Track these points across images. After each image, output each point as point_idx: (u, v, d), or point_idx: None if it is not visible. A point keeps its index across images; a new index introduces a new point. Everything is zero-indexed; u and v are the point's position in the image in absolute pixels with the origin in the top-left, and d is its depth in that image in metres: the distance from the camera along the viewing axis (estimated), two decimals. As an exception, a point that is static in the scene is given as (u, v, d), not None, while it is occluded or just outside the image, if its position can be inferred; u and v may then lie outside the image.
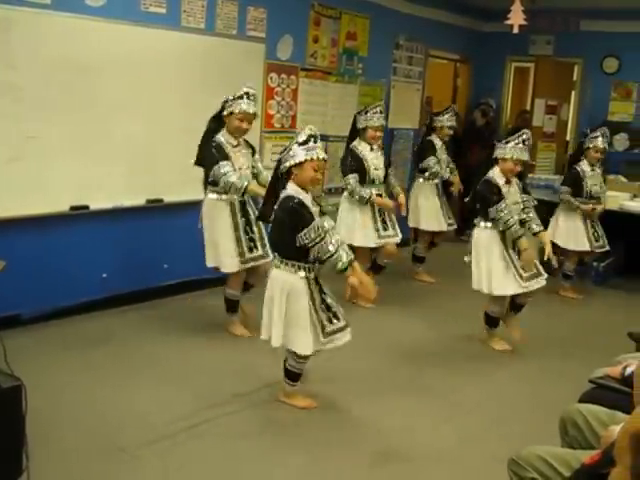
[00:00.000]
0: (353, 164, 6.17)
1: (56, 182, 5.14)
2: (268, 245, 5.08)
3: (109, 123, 5.41)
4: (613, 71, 9.41)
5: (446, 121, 7.29)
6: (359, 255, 5.44)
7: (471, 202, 5.44)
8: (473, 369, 5.14)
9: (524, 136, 5.13)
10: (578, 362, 4.82)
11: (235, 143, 5.13)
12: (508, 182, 5.24)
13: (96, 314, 5.54)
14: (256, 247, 5.20)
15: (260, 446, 3.81)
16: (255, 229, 5.23)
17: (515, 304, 5.52)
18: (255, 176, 5.27)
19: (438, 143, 7.30)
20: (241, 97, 5.04)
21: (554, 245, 6.84)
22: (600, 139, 6.90)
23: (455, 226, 7.59)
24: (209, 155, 5.00)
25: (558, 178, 8.51)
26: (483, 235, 5.32)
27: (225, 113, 5.06)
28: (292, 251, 3.94)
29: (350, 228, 6.20)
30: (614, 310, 6.70)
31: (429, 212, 7.29)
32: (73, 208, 5.31)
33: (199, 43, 6.01)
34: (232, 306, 5.38)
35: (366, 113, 6.24)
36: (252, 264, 5.19)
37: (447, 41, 9.57)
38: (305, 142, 3.89)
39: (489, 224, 5.25)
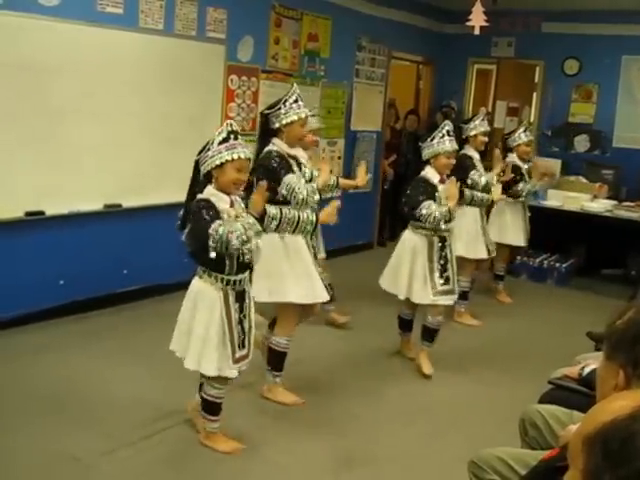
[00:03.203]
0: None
1: (10, 187, 5.03)
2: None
3: (65, 126, 5.30)
4: (574, 73, 9.48)
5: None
6: None
7: (403, 205, 4.98)
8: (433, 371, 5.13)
9: (446, 127, 4.93)
10: (539, 363, 4.83)
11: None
12: (442, 181, 4.90)
13: (53, 321, 5.42)
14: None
15: (221, 458, 3.74)
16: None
17: (427, 329, 5.07)
18: None
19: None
20: (297, 100, 4.32)
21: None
22: (480, 122, 6.34)
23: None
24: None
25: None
26: (411, 238, 4.97)
27: (285, 123, 4.28)
28: (207, 260, 3.45)
29: None
30: (575, 310, 6.74)
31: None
32: (28, 214, 5.19)
33: (157, 44, 5.92)
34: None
35: None
36: None
37: (410, 43, 9.57)
38: (225, 140, 3.50)
39: (420, 229, 4.90)
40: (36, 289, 5.33)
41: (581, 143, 9.40)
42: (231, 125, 3.56)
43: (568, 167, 8.97)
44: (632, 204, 7.74)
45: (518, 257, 7.92)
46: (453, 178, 4.90)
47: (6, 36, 4.87)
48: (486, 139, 6.36)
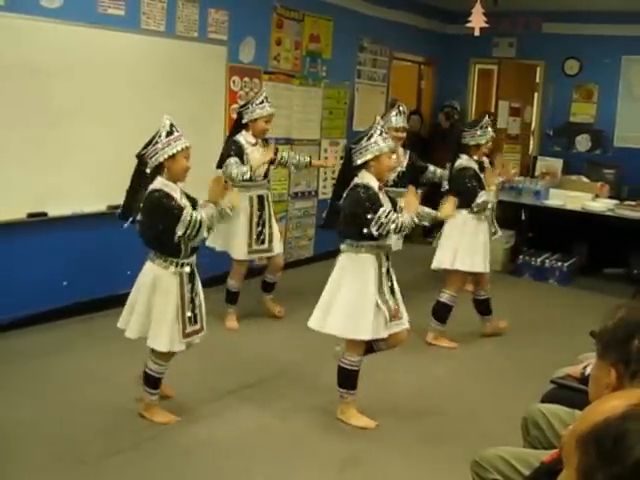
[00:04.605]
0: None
1: (13, 189, 5.05)
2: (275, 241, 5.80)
3: (67, 128, 5.32)
4: (574, 73, 9.48)
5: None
6: None
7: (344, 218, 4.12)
8: (434, 369, 5.14)
9: (379, 125, 4.10)
10: (541, 362, 4.84)
11: (254, 142, 5.58)
12: (381, 188, 4.13)
13: (58, 323, 5.44)
14: (263, 242, 5.71)
15: (224, 456, 3.77)
16: (267, 224, 5.72)
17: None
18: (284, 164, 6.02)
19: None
20: (262, 102, 5.54)
21: None
22: (394, 118, 6.17)
23: None
24: (225, 153, 5.53)
25: (522, 179, 8.54)
26: (356, 258, 4.08)
27: (251, 119, 5.51)
28: (166, 246, 3.86)
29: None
30: (577, 309, 6.74)
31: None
32: (31, 215, 5.21)
33: (159, 46, 5.95)
34: (232, 298, 5.81)
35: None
36: (258, 256, 5.86)
37: (411, 43, 9.59)
38: (170, 132, 3.83)
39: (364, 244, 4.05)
40: (39, 290, 5.35)
41: (582, 143, 9.42)
42: (170, 119, 3.87)
43: (569, 167, 8.99)
44: (633, 203, 7.74)
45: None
46: (411, 187, 4.37)
47: (8, 38, 4.90)
48: (398, 135, 6.06)
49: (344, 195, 4.11)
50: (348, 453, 3.88)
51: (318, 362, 5.02)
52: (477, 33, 6.33)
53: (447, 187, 5.76)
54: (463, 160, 5.58)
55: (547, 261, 7.97)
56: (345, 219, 4.08)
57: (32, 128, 5.11)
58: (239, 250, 5.65)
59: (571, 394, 3.00)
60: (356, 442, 4.01)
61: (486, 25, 6.32)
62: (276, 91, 7.20)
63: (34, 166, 5.16)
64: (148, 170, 3.85)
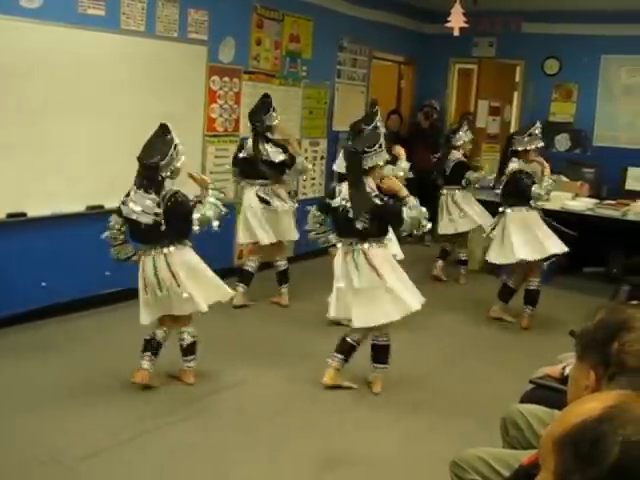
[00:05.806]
0: None
1: (-9, 189, 5.01)
2: None
3: (47, 128, 5.29)
4: (554, 72, 9.55)
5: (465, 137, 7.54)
6: None
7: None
8: (416, 371, 5.14)
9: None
10: (520, 361, 4.86)
11: None
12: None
13: (36, 323, 5.40)
14: None
15: (203, 457, 3.75)
16: None
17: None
18: None
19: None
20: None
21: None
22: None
23: None
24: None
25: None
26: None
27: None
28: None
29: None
30: (557, 309, 6.77)
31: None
32: (10, 215, 5.17)
33: (139, 46, 5.92)
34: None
35: None
36: None
37: (391, 43, 9.61)
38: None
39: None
40: (18, 291, 5.31)
41: (562, 142, 9.48)
42: None
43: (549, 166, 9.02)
44: (613, 202, 7.79)
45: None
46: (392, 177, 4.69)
47: (-14, 38, 4.86)
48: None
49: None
50: (326, 454, 3.87)
51: (310, 359, 5.03)
52: (457, 33, 6.34)
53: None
54: (516, 163, 6.20)
55: (527, 260, 7.97)
56: None
57: (11, 128, 5.07)
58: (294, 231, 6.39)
59: (550, 394, 2.99)
60: (334, 443, 4.00)
61: (466, 25, 6.34)
62: (256, 91, 7.17)
63: (14, 166, 5.12)
64: None
